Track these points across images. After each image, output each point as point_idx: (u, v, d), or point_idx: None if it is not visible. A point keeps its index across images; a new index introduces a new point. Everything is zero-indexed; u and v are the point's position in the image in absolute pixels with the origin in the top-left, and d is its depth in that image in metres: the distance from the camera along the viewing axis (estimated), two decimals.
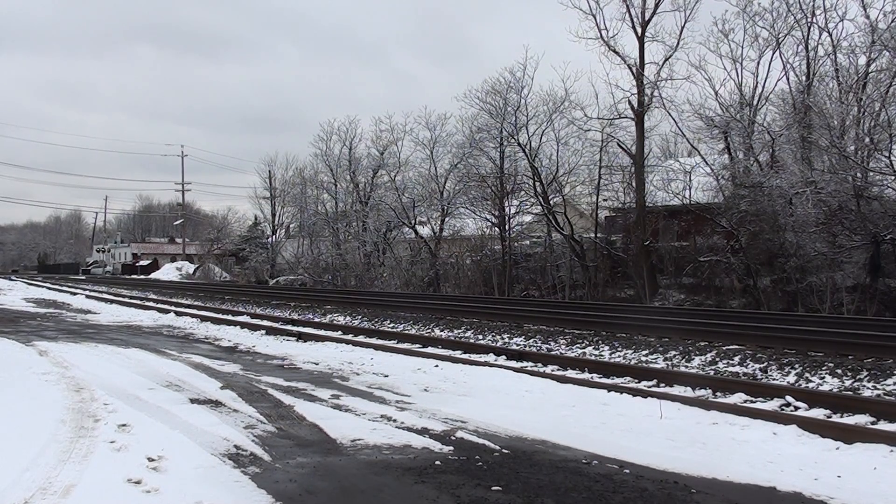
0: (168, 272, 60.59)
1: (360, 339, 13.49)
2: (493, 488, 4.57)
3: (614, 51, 26.12)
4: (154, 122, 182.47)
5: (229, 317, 18.63)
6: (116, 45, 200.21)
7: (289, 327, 15.59)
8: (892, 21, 20.40)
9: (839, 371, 9.07)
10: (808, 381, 8.86)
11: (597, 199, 29.30)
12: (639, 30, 26.07)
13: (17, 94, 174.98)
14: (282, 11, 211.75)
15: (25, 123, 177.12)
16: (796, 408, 7.24)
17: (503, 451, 5.49)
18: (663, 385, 8.58)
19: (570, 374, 9.36)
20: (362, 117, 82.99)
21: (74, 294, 32.22)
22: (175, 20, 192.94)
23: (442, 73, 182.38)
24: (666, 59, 25.67)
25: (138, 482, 4.57)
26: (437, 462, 5.15)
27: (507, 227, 30.67)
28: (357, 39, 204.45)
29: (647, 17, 25.86)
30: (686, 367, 10.10)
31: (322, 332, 14.32)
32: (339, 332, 14.60)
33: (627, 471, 4.98)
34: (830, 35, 22.34)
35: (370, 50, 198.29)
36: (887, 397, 7.89)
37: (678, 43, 25.42)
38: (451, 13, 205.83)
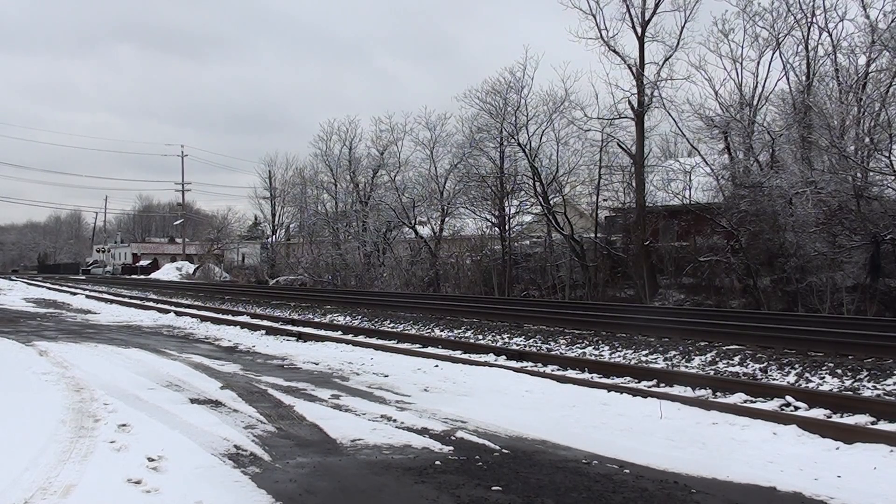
0: (168, 272, 60.55)
1: (360, 339, 13.49)
2: (493, 488, 4.57)
3: (614, 51, 26.17)
4: (141, 121, 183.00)
5: (229, 317, 18.62)
6: (96, 45, 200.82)
7: (289, 327, 15.58)
8: (892, 21, 20.42)
9: (839, 371, 9.07)
10: (808, 381, 8.86)
11: (597, 199, 29.32)
12: (639, 30, 26.11)
13: (2, 94, 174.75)
14: (261, 11, 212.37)
15: (13, 123, 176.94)
16: (796, 408, 7.24)
17: (503, 451, 5.49)
18: (663, 385, 8.58)
19: (570, 374, 9.36)
20: (347, 115, 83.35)
21: (74, 294, 32.21)
22: (154, 19, 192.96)
23: (425, 71, 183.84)
24: (666, 59, 25.74)
25: (138, 482, 4.57)
26: (437, 462, 5.15)
27: (507, 227, 30.67)
28: (338, 39, 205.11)
29: (647, 17, 25.91)
30: (686, 367, 10.09)
31: (322, 332, 14.32)
32: (339, 332, 14.59)
33: (627, 471, 4.98)
34: (830, 35, 22.38)
35: (352, 49, 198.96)
36: (887, 397, 7.89)
37: (678, 43, 25.49)
38: (431, 12, 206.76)
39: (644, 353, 11.08)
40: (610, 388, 8.12)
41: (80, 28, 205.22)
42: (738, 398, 7.69)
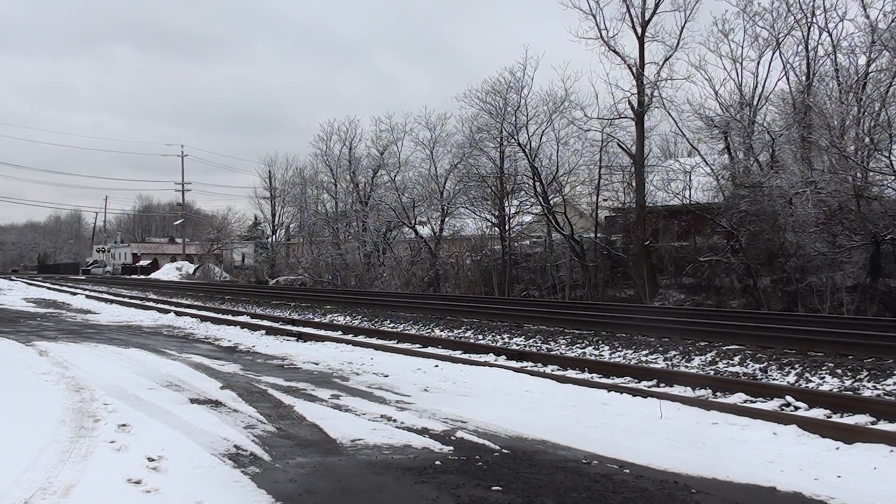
0: (168, 272, 60.56)
1: (360, 339, 13.49)
2: (493, 488, 4.57)
3: (614, 51, 26.17)
4: (140, 121, 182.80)
5: (229, 317, 18.62)
6: (94, 45, 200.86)
7: (289, 327, 15.58)
8: (892, 21, 20.43)
9: (839, 371, 9.07)
10: (808, 381, 8.86)
11: (597, 199, 29.32)
12: (639, 30, 26.10)
13: (1, 94, 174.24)
14: (259, 11, 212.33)
15: (12, 123, 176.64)
16: (796, 408, 7.24)
17: (503, 451, 5.49)
18: (663, 385, 8.58)
19: (570, 374, 9.36)
20: (346, 115, 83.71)
21: (74, 294, 32.21)
22: (152, 19, 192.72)
23: (425, 71, 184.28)
24: (666, 59, 25.74)
25: (138, 482, 4.57)
26: (437, 462, 5.15)
27: (507, 227, 30.68)
28: (337, 39, 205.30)
29: (647, 17, 25.91)
30: (686, 367, 10.10)
31: (322, 332, 14.32)
32: (339, 332, 14.59)
33: (627, 471, 4.98)
34: (830, 35, 22.41)
35: (351, 49, 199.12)
36: (887, 397, 7.89)
37: (678, 43, 25.49)
38: (430, 12, 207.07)
39: (644, 353, 11.08)
40: (610, 388, 8.12)
41: (78, 28, 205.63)
42: (738, 398, 7.69)
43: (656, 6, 25.82)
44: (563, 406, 7.28)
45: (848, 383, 8.59)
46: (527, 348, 12.02)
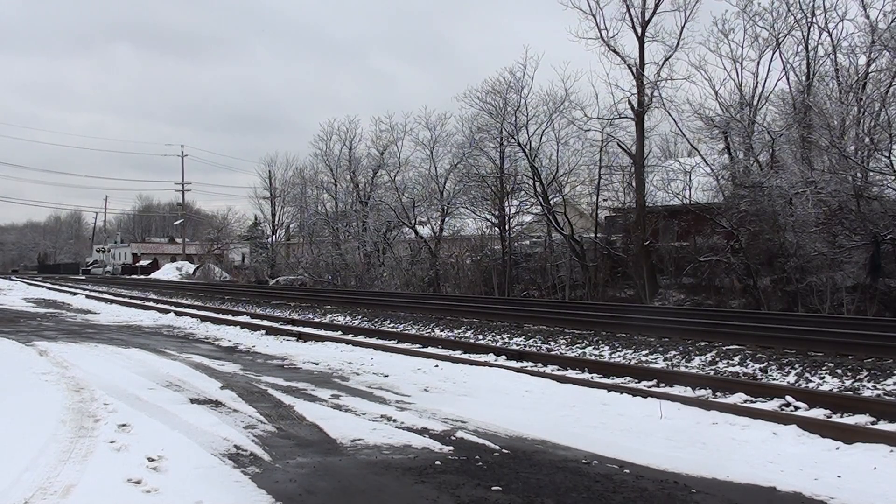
0: (168, 272, 60.57)
1: (360, 339, 13.49)
2: (493, 488, 4.57)
3: (614, 51, 26.17)
4: (139, 121, 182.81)
5: (229, 317, 18.62)
6: (92, 45, 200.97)
7: (289, 327, 15.58)
8: (892, 21, 20.44)
9: (839, 371, 9.07)
10: (808, 381, 8.87)
11: (597, 199, 29.33)
12: (639, 30, 26.10)
13: (0, 94, 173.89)
14: (257, 11, 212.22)
15: (12, 123, 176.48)
16: (796, 408, 7.24)
17: (503, 451, 5.49)
18: (663, 385, 8.58)
19: (570, 373, 9.36)
20: (346, 115, 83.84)
21: (74, 294, 32.21)
22: (150, 19, 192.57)
23: (425, 71, 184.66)
24: (666, 59, 25.74)
25: (138, 482, 4.57)
26: (437, 462, 5.15)
27: (507, 227, 30.68)
28: (336, 39, 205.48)
29: (647, 17, 25.91)
30: (686, 367, 10.10)
31: (322, 332, 14.32)
32: (339, 332, 14.59)
33: (627, 471, 4.98)
34: (830, 35, 22.41)
35: (350, 49, 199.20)
36: (887, 397, 7.89)
37: (678, 43, 25.49)
38: (430, 12, 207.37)
39: (644, 353, 11.08)
40: (610, 388, 8.12)
41: (77, 28, 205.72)
42: (738, 398, 7.69)
43: (656, 6, 25.85)
44: (563, 406, 7.27)
45: (848, 383, 8.60)
46: (527, 348, 12.02)
